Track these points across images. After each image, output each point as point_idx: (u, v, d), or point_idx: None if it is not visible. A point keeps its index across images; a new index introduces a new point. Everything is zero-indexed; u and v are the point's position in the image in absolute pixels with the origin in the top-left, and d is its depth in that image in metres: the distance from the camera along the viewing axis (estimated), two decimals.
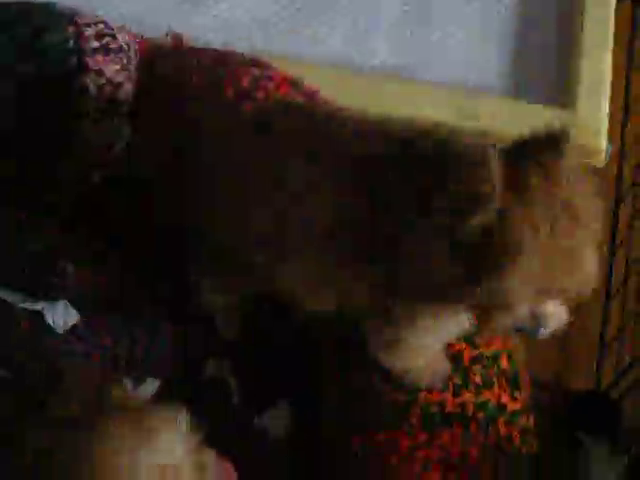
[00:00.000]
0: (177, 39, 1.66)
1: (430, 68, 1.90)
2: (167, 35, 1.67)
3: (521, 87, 1.88)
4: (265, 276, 1.35)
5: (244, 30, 1.91)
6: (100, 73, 1.55)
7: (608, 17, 1.86)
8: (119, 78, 1.56)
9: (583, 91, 1.81)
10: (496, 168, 1.05)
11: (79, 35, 1.56)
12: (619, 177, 1.81)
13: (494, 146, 1.08)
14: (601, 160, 1.80)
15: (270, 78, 1.57)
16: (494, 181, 1.04)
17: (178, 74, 1.52)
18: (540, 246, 1.05)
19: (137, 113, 1.54)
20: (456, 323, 1.26)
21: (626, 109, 1.87)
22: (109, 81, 1.55)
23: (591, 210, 1.09)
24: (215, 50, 1.60)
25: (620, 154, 1.83)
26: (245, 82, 1.53)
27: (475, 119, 1.68)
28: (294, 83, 1.58)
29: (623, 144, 1.83)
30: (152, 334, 1.54)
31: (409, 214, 1.12)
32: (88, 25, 1.59)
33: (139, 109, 1.53)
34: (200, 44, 1.65)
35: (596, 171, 1.81)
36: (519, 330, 1.15)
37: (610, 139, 1.80)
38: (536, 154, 1.08)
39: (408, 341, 1.30)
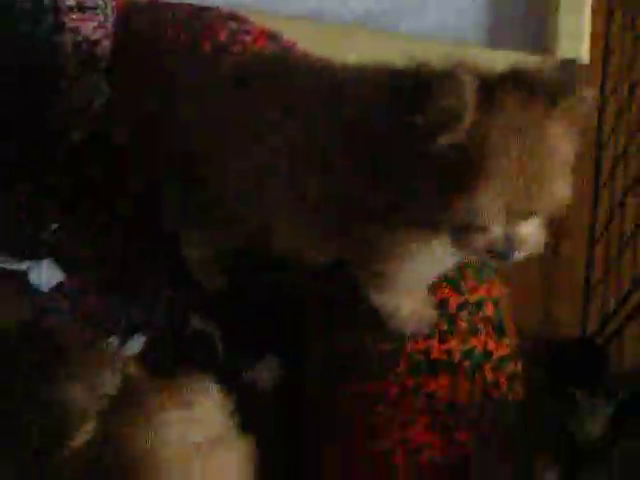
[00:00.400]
0: None
1: None
2: None
3: (497, 32, 1.88)
4: (244, 231, 1.36)
5: None
6: (76, 31, 1.54)
7: None
8: (96, 35, 1.55)
9: (563, 37, 1.81)
10: (470, 90, 1.06)
11: None
12: (600, 124, 1.81)
13: (472, 72, 1.09)
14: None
15: (247, 32, 1.56)
16: (466, 101, 1.06)
17: (153, 29, 1.51)
18: (511, 167, 1.06)
19: (115, 69, 1.53)
20: (438, 256, 1.26)
21: (606, 53, 1.87)
22: (86, 39, 1.55)
23: (565, 136, 1.10)
24: (190, 5, 1.59)
25: (601, 100, 1.83)
26: (222, 36, 1.52)
27: None
28: (272, 36, 1.57)
29: (603, 88, 1.83)
30: (149, 313, 1.54)
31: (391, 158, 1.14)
32: None
33: (116, 65, 1.52)
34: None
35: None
36: (491, 252, 1.15)
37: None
38: (516, 83, 1.09)
39: (394, 275, 1.31)
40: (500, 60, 1.69)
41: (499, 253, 1.15)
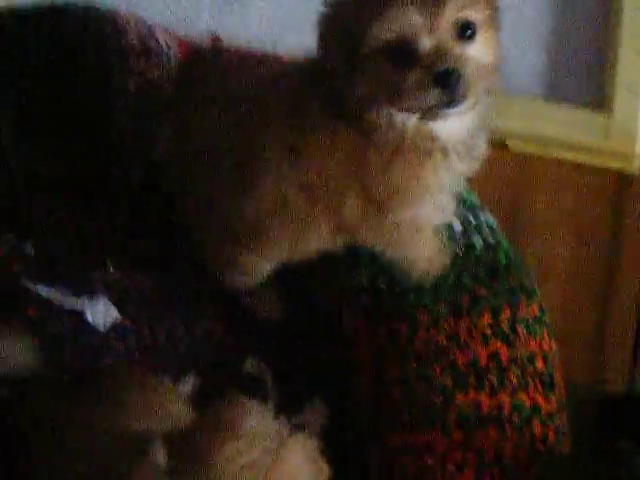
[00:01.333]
0: (216, 40, 1.66)
1: None
2: (206, 36, 1.68)
3: (556, 87, 1.88)
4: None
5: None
6: (141, 74, 1.57)
7: None
8: (159, 80, 1.57)
9: (620, 92, 1.80)
10: None
11: (119, 34, 1.58)
12: None
13: None
14: (636, 166, 1.79)
15: None
16: None
17: (216, 76, 1.52)
18: None
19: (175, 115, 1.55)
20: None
21: None
22: (149, 82, 1.57)
23: None
24: (255, 52, 1.60)
25: None
26: None
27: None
28: None
29: None
30: (200, 354, 1.56)
31: None
32: (128, 23, 1.61)
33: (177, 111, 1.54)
34: (239, 44, 1.65)
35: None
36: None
37: None
38: None
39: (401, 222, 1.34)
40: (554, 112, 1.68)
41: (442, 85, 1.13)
